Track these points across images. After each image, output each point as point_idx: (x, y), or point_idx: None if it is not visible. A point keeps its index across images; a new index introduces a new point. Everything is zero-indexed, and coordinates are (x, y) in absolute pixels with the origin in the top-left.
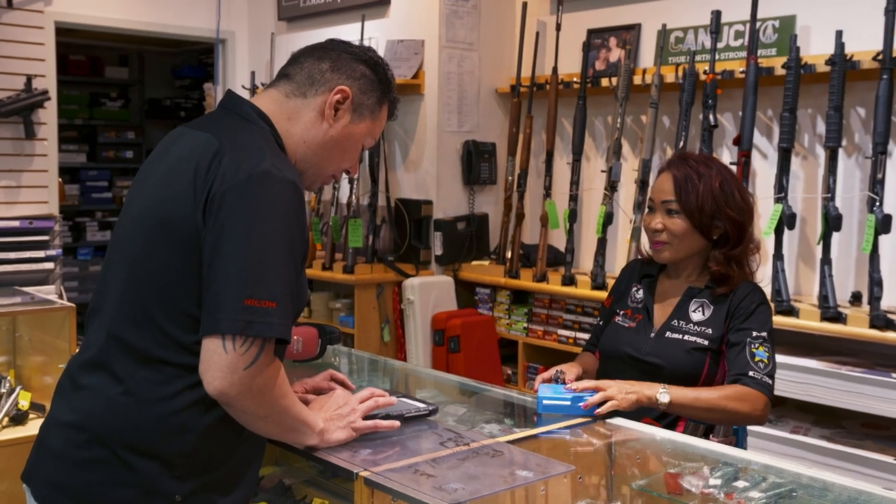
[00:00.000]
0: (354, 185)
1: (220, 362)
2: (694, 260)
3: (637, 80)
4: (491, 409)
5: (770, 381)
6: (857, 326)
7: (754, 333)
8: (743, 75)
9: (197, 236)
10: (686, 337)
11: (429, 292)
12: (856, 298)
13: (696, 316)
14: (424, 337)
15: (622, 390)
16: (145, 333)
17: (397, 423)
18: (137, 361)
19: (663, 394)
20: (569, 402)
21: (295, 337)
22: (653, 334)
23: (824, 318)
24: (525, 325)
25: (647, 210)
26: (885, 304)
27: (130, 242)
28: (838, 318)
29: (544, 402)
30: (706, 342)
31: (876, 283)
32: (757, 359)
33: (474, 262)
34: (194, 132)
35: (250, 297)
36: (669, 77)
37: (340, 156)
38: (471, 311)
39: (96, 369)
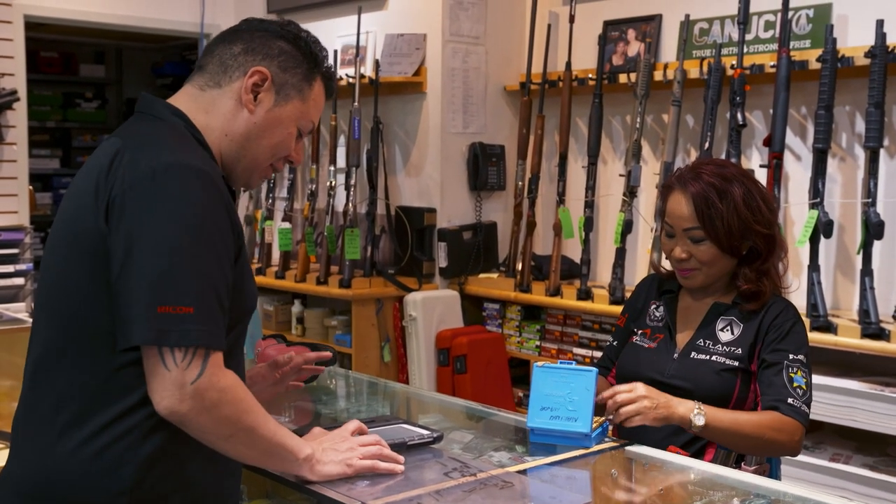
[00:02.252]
0: (351, 193)
1: (164, 380)
2: (721, 276)
3: (658, 75)
4: (500, 435)
5: (807, 410)
6: None
7: (791, 356)
8: (774, 70)
9: (103, 245)
10: (714, 357)
11: (432, 308)
12: None
13: (725, 336)
14: (428, 357)
15: (654, 403)
16: (69, 364)
17: (400, 467)
18: (62, 402)
19: (698, 415)
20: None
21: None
22: (676, 355)
23: (865, 335)
24: (537, 343)
25: (665, 233)
26: None
27: (49, 272)
28: (881, 334)
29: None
30: (736, 363)
31: None
32: (795, 384)
33: (482, 275)
34: (105, 141)
35: (163, 304)
36: (693, 72)
37: (272, 145)
38: (478, 329)
39: (27, 417)
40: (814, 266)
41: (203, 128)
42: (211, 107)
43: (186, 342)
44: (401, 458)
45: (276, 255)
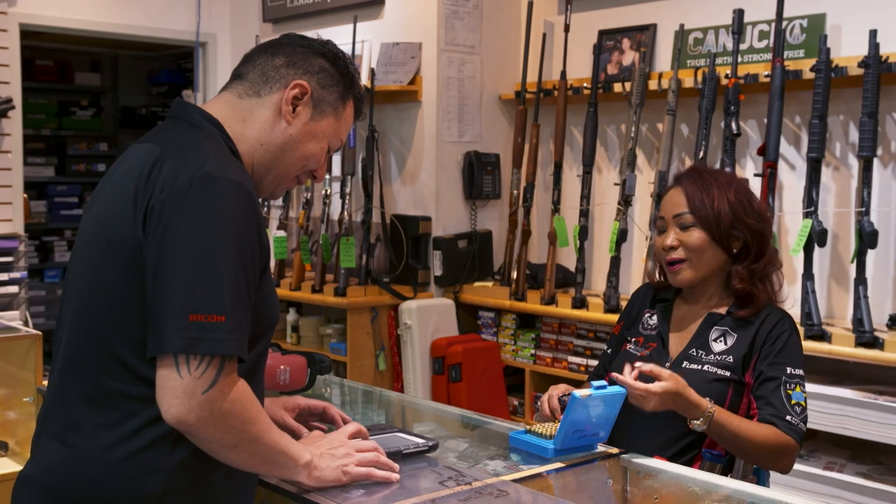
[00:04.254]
0: (346, 201)
1: (175, 387)
2: (714, 281)
3: (653, 84)
4: (495, 444)
5: (804, 428)
6: None
7: (789, 370)
8: (768, 79)
9: (140, 253)
10: (706, 367)
11: (428, 316)
12: (893, 322)
13: (718, 346)
14: (423, 365)
15: (670, 388)
16: (100, 369)
17: (396, 475)
18: (92, 404)
19: (710, 411)
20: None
21: (281, 366)
22: (668, 364)
23: (859, 344)
24: (532, 351)
25: (656, 232)
26: None
27: (81, 274)
28: (875, 343)
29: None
30: (728, 372)
31: None
32: (794, 402)
33: (477, 284)
34: (139, 145)
35: (195, 312)
36: (688, 82)
37: (303, 157)
38: (473, 337)
39: (54, 417)
40: (808, 275)
41: (237, 137)
42: (249, 115)
43: (216, 350)
44: (396, 465)
45: (271, 263)
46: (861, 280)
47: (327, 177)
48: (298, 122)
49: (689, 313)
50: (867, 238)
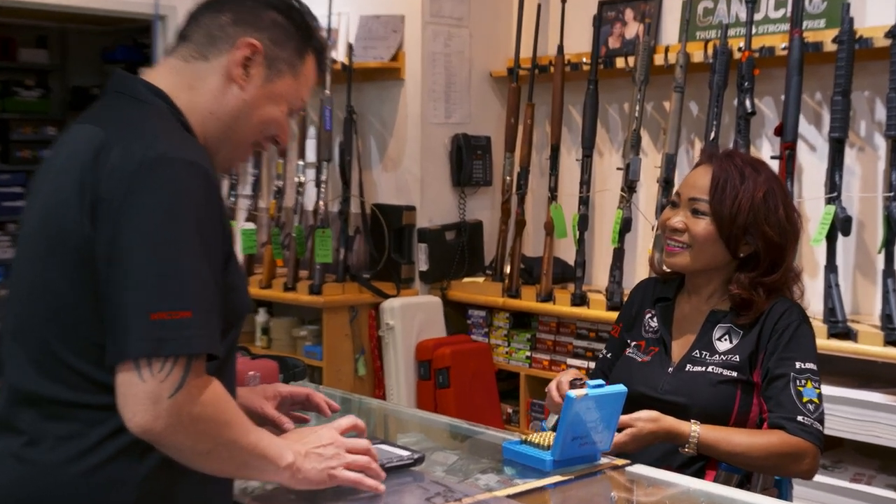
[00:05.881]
0: (322, 190)
1: (138, 393)
2: (717, 276)
3: (658, 59)
4: (488, 455)
5: (821, 428)
6: None
7: (798, 365)
8: (785, 52)
9: (90, 247)
10: (710, 368)
11: (412, 316)
12: None
13: (723, 345)
14: (407, 370)
15: (649, 419)
16: (53, 376)
17: (382, 486)
18: (46, 414)
19: (694, 435)
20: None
21: (251, 372)
22: (671, 369)
23: (888, 342)
24: (528, 353)
25: (669, 206)
26: None
27: (25, 273)
28: None
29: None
30: (734, 373)
31: None
32: (805, 399)
33: (466, 280)
34: (81, 125)
35: (157, 310)
36: (697, 55)
37: (261, 123)
38: (463, 338)
39: (5, 430)
40: (831, 267)
41: (186, 107)
42: (196, 81)
43: (185, 350)
44: (384, 474)
45: (239, 258)
46: (889, 272)
47: (301, 163)
48: (252, 86)
49: (692, 312)
50: None
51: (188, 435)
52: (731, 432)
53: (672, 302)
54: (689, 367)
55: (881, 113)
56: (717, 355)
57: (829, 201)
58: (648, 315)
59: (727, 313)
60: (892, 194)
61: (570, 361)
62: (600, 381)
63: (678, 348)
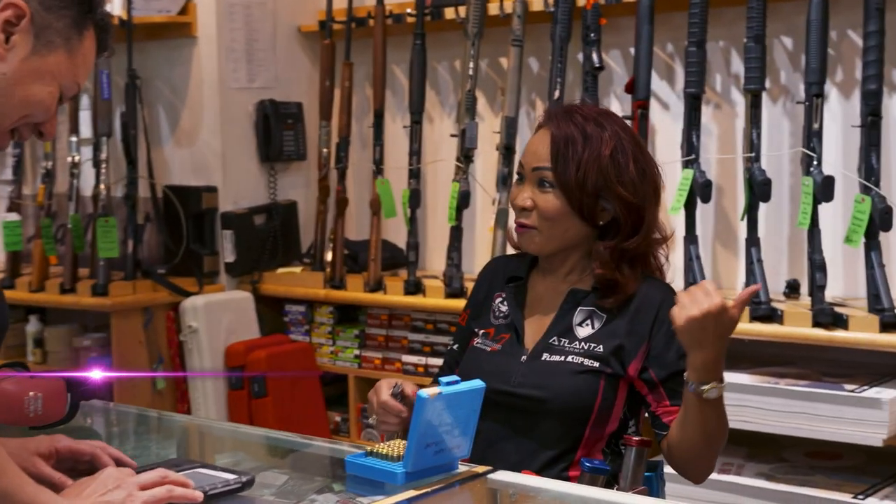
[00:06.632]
0: (102, 171)
1: None
2: (576, 252)
3: (493, 8)
4: (320, 472)
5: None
6: (797, 325)
7: None
8: None
9: None
10: (570, 358)
11: (219, 316)
12: (792, 289)
13: (583, 331)
14: (216, 378)
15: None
16: None
17: (200, 494)
18: None
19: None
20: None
21: (31, 393)
22: (524, 358)
23: (754, 318)
24: (356, 352)
25: (515, 179)
26: (829, 294)
27: None
28: (772, 315)
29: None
30: (596, 363)
31: (818, 267)
32: None
33: (281, 271)
34: None
35: None
36: (537, 3)
37: (23, 105)
38: (280, 339)
39: None
40: (691, 237)
41: None
42: None
43: None
44: (199, 494)
45: (0, 256)
46: (753, 240)
47: (74, 139)
48: (14, 57)
49: (547, 292)
50: (758, 189)
51: None
52: None
53: (525, 281)
54: (545, 355)
55: (738, 65)
56: (577, 342)
57: (686, 165)
58: (499, 299)
59: (589, 293)
60: (753, 155)
61: (406, 358)
62: (454, 378)
63: (532, 334)
